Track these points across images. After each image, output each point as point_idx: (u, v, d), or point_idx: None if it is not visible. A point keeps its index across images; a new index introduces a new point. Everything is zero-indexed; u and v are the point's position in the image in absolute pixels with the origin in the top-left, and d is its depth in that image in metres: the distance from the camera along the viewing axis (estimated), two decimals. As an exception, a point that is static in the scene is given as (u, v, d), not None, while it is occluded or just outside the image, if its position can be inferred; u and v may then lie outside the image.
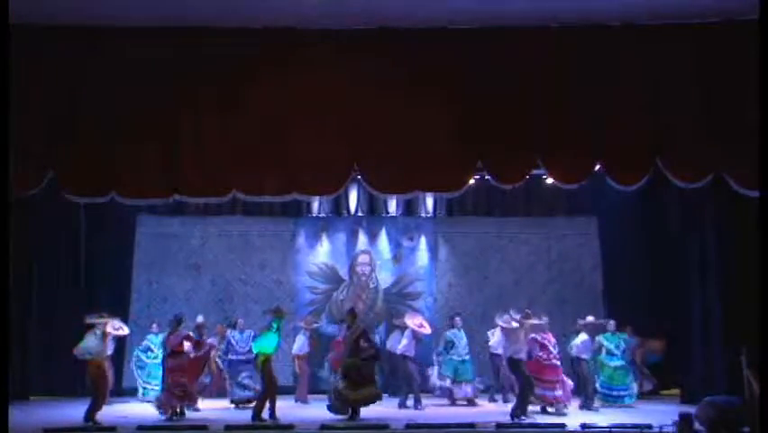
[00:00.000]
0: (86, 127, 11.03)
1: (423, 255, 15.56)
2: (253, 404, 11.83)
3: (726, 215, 12.47)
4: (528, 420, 10.99)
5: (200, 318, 13.04)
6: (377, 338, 13.97)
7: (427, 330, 13.25)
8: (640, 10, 10.67)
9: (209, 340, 12.87)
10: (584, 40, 11.09)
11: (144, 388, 13.47)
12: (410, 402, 12.76)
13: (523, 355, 11.48)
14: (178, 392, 11.37)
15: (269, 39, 11.19)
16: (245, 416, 11.81)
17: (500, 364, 12.60)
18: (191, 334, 11.91)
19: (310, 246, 15.55)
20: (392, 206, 15.54)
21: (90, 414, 10.91)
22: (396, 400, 12.89)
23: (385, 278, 15.48)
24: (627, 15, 10.87)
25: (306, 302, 15.14)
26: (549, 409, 11.75)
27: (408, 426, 10.49)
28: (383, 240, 15.55)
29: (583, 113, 11.04)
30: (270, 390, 11.27)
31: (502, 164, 11.33)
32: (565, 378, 11.98)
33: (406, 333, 13.07)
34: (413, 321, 13.25)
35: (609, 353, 12.71)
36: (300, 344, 13.60)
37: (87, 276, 14.53)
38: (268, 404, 11.23)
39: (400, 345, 13.00)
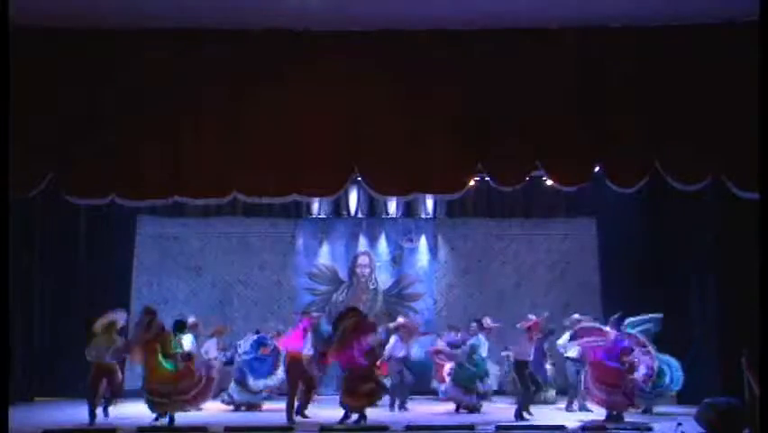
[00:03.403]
0: (86, 128, 11.02)
1: (423, 257, 15.56)
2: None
3: (725, 215, 12.46)
4: (527, 422, 11.19)
5: (192, 319, 13.01)
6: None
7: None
8: (640, 11, 10.67)
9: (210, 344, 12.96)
10: (584, 41, 11.10)
11: None
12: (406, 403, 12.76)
13: (528, 357, 11.84)
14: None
15: (270, 40, 11.21)
16: (245, 417, 11.85)
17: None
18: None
19: (310, 248, 15.56)
20: (392, 207, 15.55)
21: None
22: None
23: (385, 279, 15.49)
24: (627, 16, 10.88)
25: (306, 304, 15.12)
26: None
27: (408, 427, 10.49)
28: (383, 241, 15.56)
29: (583, 115, 11.05)
30: (293, 389, 11.47)
31: (502, 166, 11.33)
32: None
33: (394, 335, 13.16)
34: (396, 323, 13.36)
35: None
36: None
37: (88, 277, 14.52)
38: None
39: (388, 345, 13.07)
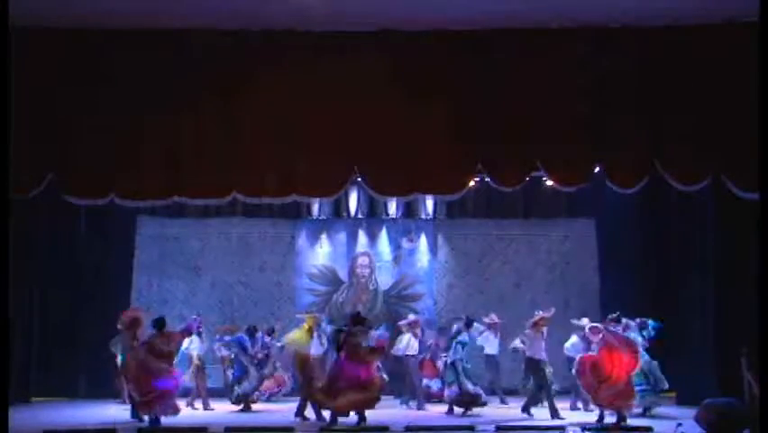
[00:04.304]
0: (86, 128, 11.03)
1: (423, 257, 15.56)
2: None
3: (724, 216, 12.46)
4: (531, 420, 11.28)
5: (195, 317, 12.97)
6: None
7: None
8: (639, 11, 10.67)
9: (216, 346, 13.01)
10: (584, 41, 11.09)
11: None
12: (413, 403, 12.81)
13: (541, 355, 11.85)
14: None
15: (270, 41, 11.21)
16: (245, 418, 11.85)
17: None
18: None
19: (310, 248, 15.55)
20: (392, 208, 15.54)
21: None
22: (395, 402, 12.95)
23: (385, 280, 15.49)
24: (627, 17, 10.87)
25: (307, 304, 15.10)
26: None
27: (408, 428, 10.48)
28: (383, 242, 15.56)
29: (582, 115, 11.04)
30: (305, 389, 11.47)
31: (502, 167, 11.34)
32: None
33: (408, 333, 13.16)
34: (408, 320, 13.42)
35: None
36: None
37: (87, 277, 14.52)
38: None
39: (401, 344, 13.06)
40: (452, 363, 12.06)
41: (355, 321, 11.33)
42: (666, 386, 11.97)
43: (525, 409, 11.82)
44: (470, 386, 11.99)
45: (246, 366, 12.60)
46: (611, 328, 11.32)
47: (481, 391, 12.17)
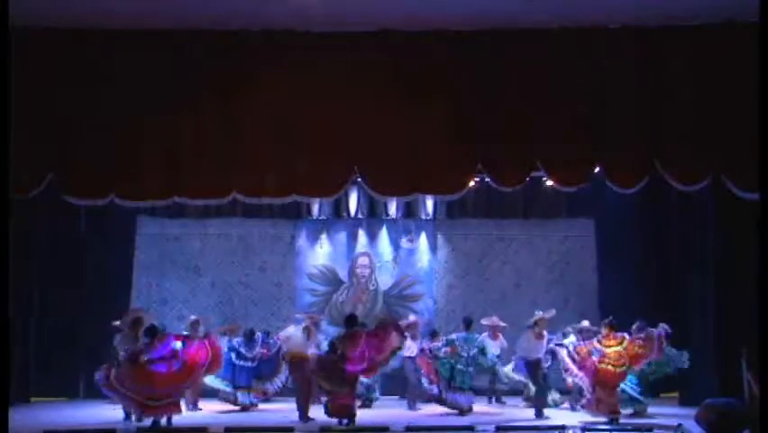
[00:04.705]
0: (86, 128, 11.03)
1: (423, 257, 15.54)
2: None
3: (724, 216, 12.46)
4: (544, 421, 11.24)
5: (193, 317, 12.97)
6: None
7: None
8: (639, 11, 10.68)
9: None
10: (584, 41, 11.11)
11: None
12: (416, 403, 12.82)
13: (538, 355, 11.91)
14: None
15: (270, 41, 11.22)
16: (245, 417, 11.85)
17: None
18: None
19: (310, 248, 15.55)
20: (392, 208, 15.52)
21: None
22: (395, 402, 12.97)
23: (385, 280, 15.47)
24: (627, 17, 10.88)
25: (307, 304, 15.11)
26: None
27: (408, 428, 10.48)
28: (383, 242, 15.55)
29: (582, 115, 11.05)
30: (304, 389, 11.45)
31: (502, 167, 11.35)
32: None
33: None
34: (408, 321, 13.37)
35: None
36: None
37: (88, 277, 14.51)
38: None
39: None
40: (439, 362, 12.11)
41: (350, 323, 11.33)
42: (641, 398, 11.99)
43: (539, 414, 11.75)
44: (445, 393, 12.03)
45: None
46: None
47: (461, 399, 12.07)
